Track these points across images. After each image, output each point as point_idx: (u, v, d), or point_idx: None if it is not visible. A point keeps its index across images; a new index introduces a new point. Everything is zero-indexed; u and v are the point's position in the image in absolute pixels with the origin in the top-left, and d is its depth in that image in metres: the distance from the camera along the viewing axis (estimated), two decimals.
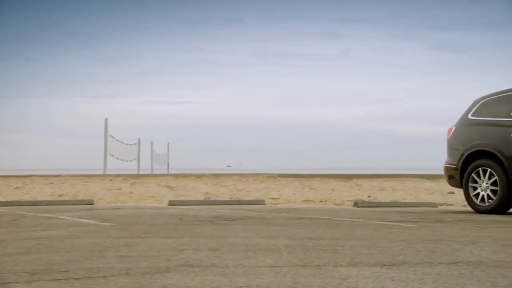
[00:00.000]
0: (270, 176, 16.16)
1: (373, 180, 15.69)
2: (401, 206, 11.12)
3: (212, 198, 11.73)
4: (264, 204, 10.89)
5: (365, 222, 6.95)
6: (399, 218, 7.63)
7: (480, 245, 4.79)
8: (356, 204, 10.82)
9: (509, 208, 9.26)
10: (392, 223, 6.86)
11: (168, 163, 39.92)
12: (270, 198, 11.68)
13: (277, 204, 11.09)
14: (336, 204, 11.38)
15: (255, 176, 16.43)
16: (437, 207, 11.17)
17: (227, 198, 11.69)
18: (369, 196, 12.69)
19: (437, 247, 4.69)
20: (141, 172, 29.23)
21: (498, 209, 9.09)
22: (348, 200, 11.89)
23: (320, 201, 11.76)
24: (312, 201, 11.73)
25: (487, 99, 9.87)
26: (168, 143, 40.44)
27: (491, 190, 9.18)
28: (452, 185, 10.08)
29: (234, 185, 14.21)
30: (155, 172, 32.77)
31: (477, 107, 9.91)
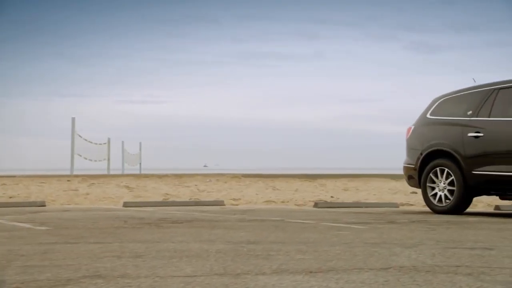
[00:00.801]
0: (234, 176, 15.92)
1: (337, 180, 15.55)
2: (362, 207, 11.00)
3: (171, 199, 11.49)
4: (224, 205, 10.69)
5: (316, 224, 6.78)
6: (353, 220, 7.46)
7: (421, 248, 4.63)
8: (316, 204, 10.66)
9: (466, 208, 9.17)
10: (343, 225, 6.69)
11: (140, 163, 39.52)
12: (231, 199, 11.48)
13: (237, 205, 10.89)
14: (298, 205, 11.21)
15: (219, 176, 16.18)
16: (398, 207, 11.06)
17: (187, 199, 11.46)
18: (331, 197, 12.54)
19: (377, 251, 4.52)
20: (112, 172, 28.83)
21: (455, 210, 8.99)
22: (310, 201, 11.73)
23: (282, 201, 11.58)
24: (273, 201, 11.54)
25: (445, 98, 9.76)
26: (140, 143, 40.04)
27: (448, 190, 9.07)
28: (411, 186, 9.96)
29: (196, 185, 13.97)
30: (126, 172, 32.36)
31: (436, 106, 9.80)
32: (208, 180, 15.29)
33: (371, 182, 15.31)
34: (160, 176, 16.02)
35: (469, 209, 11.00)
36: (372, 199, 12.50)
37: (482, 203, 11.36)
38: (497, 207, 10.81)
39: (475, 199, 11.83)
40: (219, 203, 10.82)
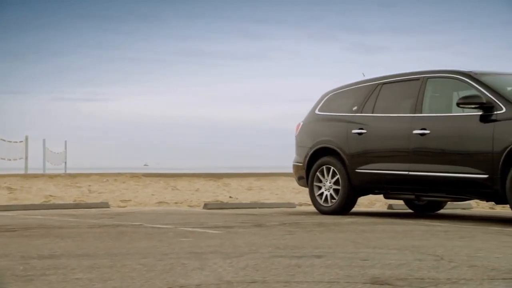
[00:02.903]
0: (134, 175, 15.24)
1: (244, 179, 15.05)
2: (255, 207, 10.51)
3: (54, 201, 10.73)
4: (108, 207, 10.01)
5: (171, 230, 6.19)
6: (220, 223, 6.91)
7: (245, 259, 4.10)
8: (206, 206, 10.09)
9: (351, 208, 8.75)
10: (199, 230, 6.12)
11: (65, 162, 38.20)
12: (121, 201, 10.81)
13: (124, 207, 10.23)
14: (190, 206, 10.64)
15: (117, 176, 15.46)
16: (295, 207, 10.61)
17: (71, 201, 10.73)
18: (230, 197, 12.03)
19: (188, 263, 3.96)
20: (31, 172, 27.66)
21: (341, 210, 8.57)
22: (205, 202, 11.17)
23: (176, 202, 10.98)
24: (166, 203, 10.94)
25: (333, 92, 9.33)
26: (65, 141, 38.68)
27: (334, 190, 8.65)
28: (301, 185, 9.50)
29: (89, 186, 13.22)
30: (48, 172, 31.15)
31: (324, 101, 9.37)
32: (105, 180, 14.56)
33: (278, 181, 14.85)
34: (52, 176, 15.18)
35: (364, 209, 10.65)
36: (273, 199, 12.05)
37: (381, 202, 11.03)
38: (390, 206, 10.48)
39: (373, 197, 11.55)
40: (103, 205, 10.13)
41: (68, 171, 34.47)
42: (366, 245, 4.83)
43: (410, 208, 9.72)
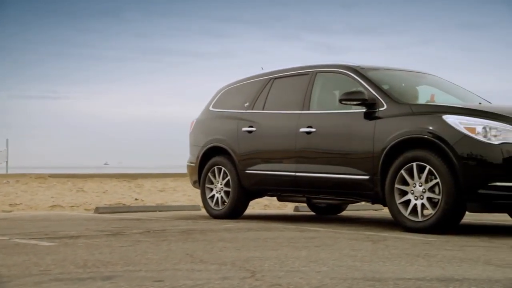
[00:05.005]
0: (40, 176, 14.45)
1: (160, 179, 14.38)
2: (155, 211, 9.89)
3: None
4: None
5: (4, 242, 5.52)
6: (78, 232, 6.26)
7: (17, 284, 3.47)
8: (97, 210, 9.43)
9: (243, 212, 8.18)
10: (33, 242, 5.40)
11: (7, 162, 36.96)
12: (9, 205, 10.08)
13: (10, 211, 9.52)
14: (87, 210, 9.97)
15: (21, 177, 14.67)
16: (200, 209, 10.03)
17: None
18: (136, 199, 11.38)
19: None
20: None
21: (232, 213, 8.00)
22: (105, 204, 10.52)
23: (72, 206, 10.30)
24: (61, 206, 10.24)
25: (228, 88, 8.76)
26: (7, 140, 37.42)
27: (225, 192, 8.08)
28: (196, 188, 8.89)
29: None
30: None
31: (218, 97, 8.79)
32: (5, 181, 13.77)
33: None
34: None
35: (271, 211, 10.11)
36: (183, 201, 11.45)
37: (293, 204, 10.50)
38: (296, 209, 9.97)
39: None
40: None
41: (10, 171, 33.34)
42: (194, 259, 4.24)
43: (313, 210, 9.21)
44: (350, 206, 9.25)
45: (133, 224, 7.03)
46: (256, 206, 11.14)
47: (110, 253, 4.49)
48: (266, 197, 8.70)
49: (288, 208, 10.75)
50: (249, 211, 9.92)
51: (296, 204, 9.93)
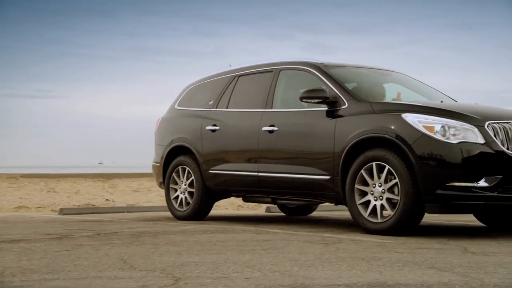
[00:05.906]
0: (11, 176, 14.20)
1: (137, 179, 14.14)
2: (123, 212, 9.65)
3: None
4: None
5: None
6: (23, 236, 6.03)
7: None
8: (61, 211, 9.19)
9: (207, 213, 7.96)
10: None
11: None
12: None
13: None
14: (54, 211, 9.72)
15: None
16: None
17: None
18: (107, 200, 11.15)
19: None
20: None
21: (196, 215, 7.78)
22: (74, 205, 10.29)
23: (38, 207, 10.06)
24: (27, 207, 10.00)
25: (194, 85, 8.54)
26: None
27: (189, 193, 7.86)
28: (162, 188, 8.66)
29: None
30: None
31: (184, 95, 8.57)
32: None
33: None
34: None
35: (243, 212, 9.88)
36: (155, 202, 11.22)
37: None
38: (268, 209, 9.74)
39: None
40: None
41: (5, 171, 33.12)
42: (125, 265, 4.01)
43: (282, 211, 8.99)
44: (322, 207, 9.04)
45: (89, 226, 6.79)
46: (230, 207, 10.93)
47: (40, 259, 4.25)
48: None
49: (261, 209, 10.53)
50: (220, 211, 9.71)
51: (268, 205, 9.71)
